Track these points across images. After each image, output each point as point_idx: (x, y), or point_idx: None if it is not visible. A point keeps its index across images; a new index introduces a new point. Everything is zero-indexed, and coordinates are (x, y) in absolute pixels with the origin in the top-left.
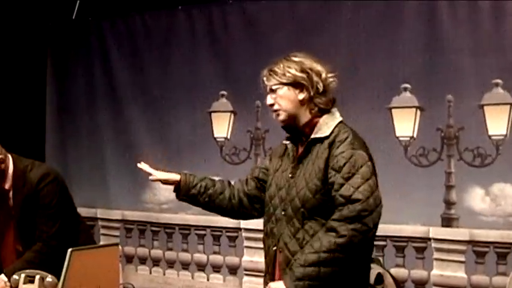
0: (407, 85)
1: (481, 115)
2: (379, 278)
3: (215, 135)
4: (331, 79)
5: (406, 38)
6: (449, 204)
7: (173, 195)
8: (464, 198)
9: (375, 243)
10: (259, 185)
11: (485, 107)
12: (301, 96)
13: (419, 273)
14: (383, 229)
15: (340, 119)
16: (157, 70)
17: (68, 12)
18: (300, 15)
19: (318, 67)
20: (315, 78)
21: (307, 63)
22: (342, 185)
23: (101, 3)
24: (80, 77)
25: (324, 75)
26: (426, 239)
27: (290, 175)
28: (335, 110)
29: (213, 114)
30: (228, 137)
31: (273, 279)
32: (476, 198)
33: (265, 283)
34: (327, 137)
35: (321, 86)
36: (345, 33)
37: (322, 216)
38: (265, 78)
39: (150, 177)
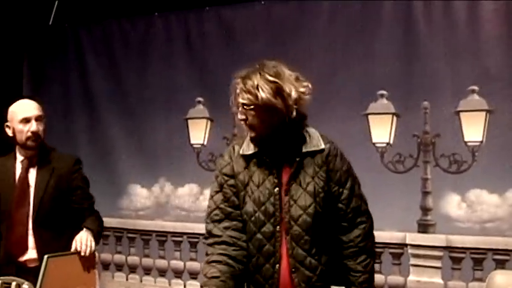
0: (384, 91)
1: (457, 121)
2: None
3: (192, 142)
4: (306, 94)
5: (383, 44)
6: (425, 210)
7: (150, 201)
8: (440, 204)
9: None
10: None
11: (461, 114)
12: (275, 118)
13: (395, 279)
14: None
15: (316, 132)
16: (134, 76)
17: (44, 18)
18: (276, 22)
19: (294, 90)
20: (290, 103)
21: (282, 86)
22: (350, 198)
23: (78, 9)
24: (57, 83)
25: (299, 97)
26: (403, 245)
27: (276, 189)
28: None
29: (189, 120)
30: (205, 143)
31: None
32: (453, 205)
33: None
34: (320, 151)
35: (294, 113)
36: (321, 40)
37: (328, 228)
38: (238, 91)
39: None
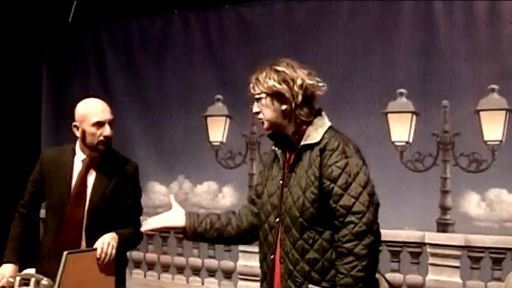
0: (403, 90)
1: (477, 120)
2: (375, 283)
3: (210, 140)
4: (316, 87)
5: (402, 43)
6: (444, 209)
7: (168, 199)
8: (459, 203)
9: None
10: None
11: (481, 113)
12: (284, 107)
13: (414, 278)
14: None
15: (329, 124)
16: (152, 74)
17: (64, 15)
18: (295, 21)
19: (300, 78)
20: (296, 89)
21: (289, 74)
22: (341, 195)
23: (97, 6)
24: (76, 80)
25: (305, 85)
26: (421, 244)
27: (281, 182)
28: (323, 116)
29: (208, 118)
30: (224, 141)
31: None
32: (472, 204)
33: None
34: (317, 143)
35: (300, 98)
36: (341, 39)
37: (320, 225)
38: (251, 86)
39: (147, 227)
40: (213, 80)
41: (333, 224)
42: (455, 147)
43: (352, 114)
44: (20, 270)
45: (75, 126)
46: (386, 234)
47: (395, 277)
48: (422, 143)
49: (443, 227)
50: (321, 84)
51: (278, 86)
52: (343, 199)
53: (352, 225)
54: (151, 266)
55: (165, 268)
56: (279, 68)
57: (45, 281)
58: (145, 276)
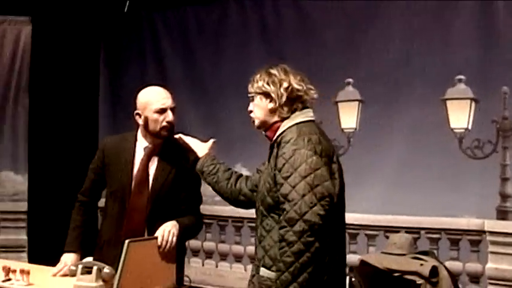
0: (462, 76)
1: None
2: (434, 271)
3: None
4: (302, 91)
5: (461, 29)
6: (504, 196)
7: None
8: None
9: (430, 236)
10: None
11: None
12: (270, 105)
13: (474, 266)
14: (437, 222)
15: (298, 120)
16: (209, 62)
17: (120, 5)
18: (352, 7)
19: (287, 81)
20: (281, 91)
21: (278, 77)
22: (282, 184)
23: None
24: (133, 70)
25: (291, 88)
26: (481, 232)
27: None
28: (301, 113)
29: None
30: None
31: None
32: None
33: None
34: (276, 139)
35: (284, 99)
36: (398, 25)
37: (276, 213)
38: (249, 86)
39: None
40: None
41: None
42: None
43: (410, 101)
44: (81, 259)
45: (138, 114)
46: (445, 222)
47: (455, 265)
48: (482, 130)
49: (503, 214)
50: (311, 90)
51: (266, 86)
52: (283, 187)
53: (285, 212)
54: (209, 254)
55: (223, 257)
56: (271, 71)
57: (107, 269)
58: (203, 265)
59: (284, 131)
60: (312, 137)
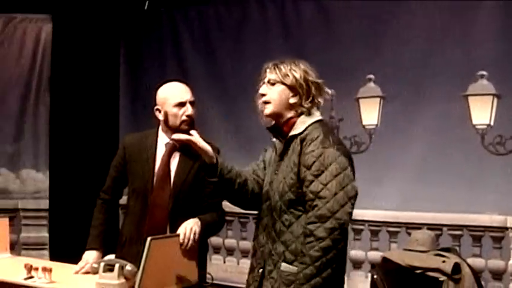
0: (484, 72)
1: None
2: (456, 267)
3: None
4: (323, 94)
5: (483, 24)
6: None
7: None
8: None
9: (452, 232)
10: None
11: None
12: (292, 100)
13: (496, 263)
14: (459, 219)
15: (318, 118)
16: (230, 59)
17: (140, 3)
18: (373, 4)
19: (317, 82)
20: (313, 91)
21: (311, 75)
22: (311, 181)
23: None
24: (153, 67)
25: (319, 89)
26: (504, 229)
27: (275, 171)
28: (315, 110)
29: None
30: None
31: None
32: None
33: (257, 273)
34: (300, 134)
35: (317, 100)
36: (420, 21)
37: (297, 209)
38: (268, 70)
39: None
40: None
41: (307, 210)
42: None
43: (432, 97)
44: (103, 256)
45: (158, 109)
46: (467, 218)
47: (477, 262)
48: (504, 126)
49: None
50: (329, 91)
51: (299, 81)
52: (313, 184)
53: (317, 209)
54: (230, 251)
55: (244, 254)
56: (301, 66)
57: (129, 267)
58: (224, 262)
59: (307, 127)
60: (335, 138)
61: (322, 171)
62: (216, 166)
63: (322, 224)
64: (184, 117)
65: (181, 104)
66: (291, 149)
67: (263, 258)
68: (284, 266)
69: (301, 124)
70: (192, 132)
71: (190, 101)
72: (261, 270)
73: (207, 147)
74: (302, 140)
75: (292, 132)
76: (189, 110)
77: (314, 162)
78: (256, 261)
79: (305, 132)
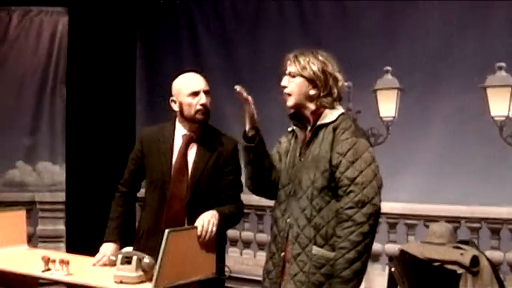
0: (502, 64)
1: None
2: (475, 260)
3: None
4: (343, 85)
5: (501, 15)
6: None
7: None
8: None
9: (470, 225)
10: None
11: None
12: (312, 92)
13: None
14: (478, 211)
15: (343, 110)
16: (246, 52)
17: None
18: None
19: (337, 74)
20: (331, 83)
21: (329, 67)
22: (347, 167)
23: None
24: (169, 59)
25: (340, 84)
26: None
27: (299, 156)
28: (337, 104)
29: None
30: None
31: (284, 253)
32: None
33: (279, 257)
34: (332, 122)
35: (334, 91)
36: (438, 13)
37: (328, 194)
38: (288, 62)
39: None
40: None
41: (338, 195)
42: None
43: (450, 89)
44: (120, 249)
45: (173, 100)
46: (485, 211)
47: (495, 255)
48: None
49: None
50: (345, 83)
51: (318, 73)
52: (348, 171)
53: (354, 194)
54: (247, 244)
55: (261, 246)
56: (320, 58)
57: (147, 259)
58: (241, 255)
59: (338, 117)
60: (364, 131)
61: (357, 159)
62: (257, 132)
63: (359, 209)
64: (198, 107)
65: (195, 94)
66: (320, 137)
67: (284, 243)
68: (316, 249)
69: (330, 114)
70: (249, 97)
71: (205, 90)
72: (282, 254)
73: (254, 113)
74: (335, 129)
75: (323, 121)
76: (203, 99)
77: (349, 149)
78: (276, 246)
79: (337, 120)
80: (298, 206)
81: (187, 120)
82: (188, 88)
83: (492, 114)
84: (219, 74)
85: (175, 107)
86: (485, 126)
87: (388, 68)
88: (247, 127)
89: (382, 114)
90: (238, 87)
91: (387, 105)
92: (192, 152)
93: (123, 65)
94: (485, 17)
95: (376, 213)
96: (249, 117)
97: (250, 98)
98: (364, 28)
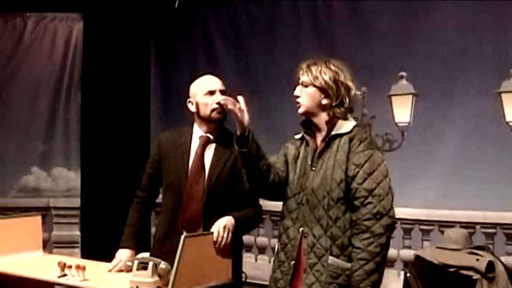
0: None
1: None
2: (490, 266)
3: None
4: (356, 94)
5: None
6: None
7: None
8: None
9: (485, 231)
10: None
11: None
12: (324, 101)
13: None
14: (493, 217)
15: (356, 122)
16: (261, 58)
17: (170, 1)
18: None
19: (349, 83)
20: (342, 92)
21: (341, 76)
22: (364, 179)
23: None
24: (184, 66)
25: (352, 93)
26: None
27: (311, 165)
28: (349, 115)
29: None
30: None
31: (296, 263)
32: None
33: (288, 266)
34: (347, 133)
35: (346, 101)
36: (453, 17)
37: (343, 205)
38: (301, 72)
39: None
40: None
41: (354, 206)
42: None
43: (465, 94)
44: (136, 255)
45: (190, 101)
46: (501, 216)
47: (511, 260)
48: None
49: None
50: (358, 92)
51: (329, 83)
52: (366, 182)
53: (372, 206)
54: (262, 250)
55: None
56: (332, 67)
57: (163, 265)
58: (256, 260)
59: (352, 128)
60: (377, 144)
61: (374, 171)
62: (248, 137)
63: (377, 221)
64: (214, 105)
65: (211, 93)
66: (334, 147)
67: (295, 251)
68: (332, 259)
69: (345, 125)
70: (239, 97)
71: (221, 90)
72: (292, 262)
73: (245, 116)
74: (351, 140)
75: (338, 131)
76: (218, 98)
77: (366, 161)
78: (286, 255)
79: (353, 132)
80: (313, 216)
81: (204, 120)
82: (204, 88)
83: (507, 119)
84: (234, 79)
85: (192, 108)
86: (500, 131)
87: (403, 73)
88: (238, 132)
89: (397, 119)
90: (222, 100)
91: (402, 111)
92: (210, 154)
93: (138, 71)
94: (499, 22)
95: (393, 225)
96: (239, 123)
97: (237, 105)
98: (379, 33)
